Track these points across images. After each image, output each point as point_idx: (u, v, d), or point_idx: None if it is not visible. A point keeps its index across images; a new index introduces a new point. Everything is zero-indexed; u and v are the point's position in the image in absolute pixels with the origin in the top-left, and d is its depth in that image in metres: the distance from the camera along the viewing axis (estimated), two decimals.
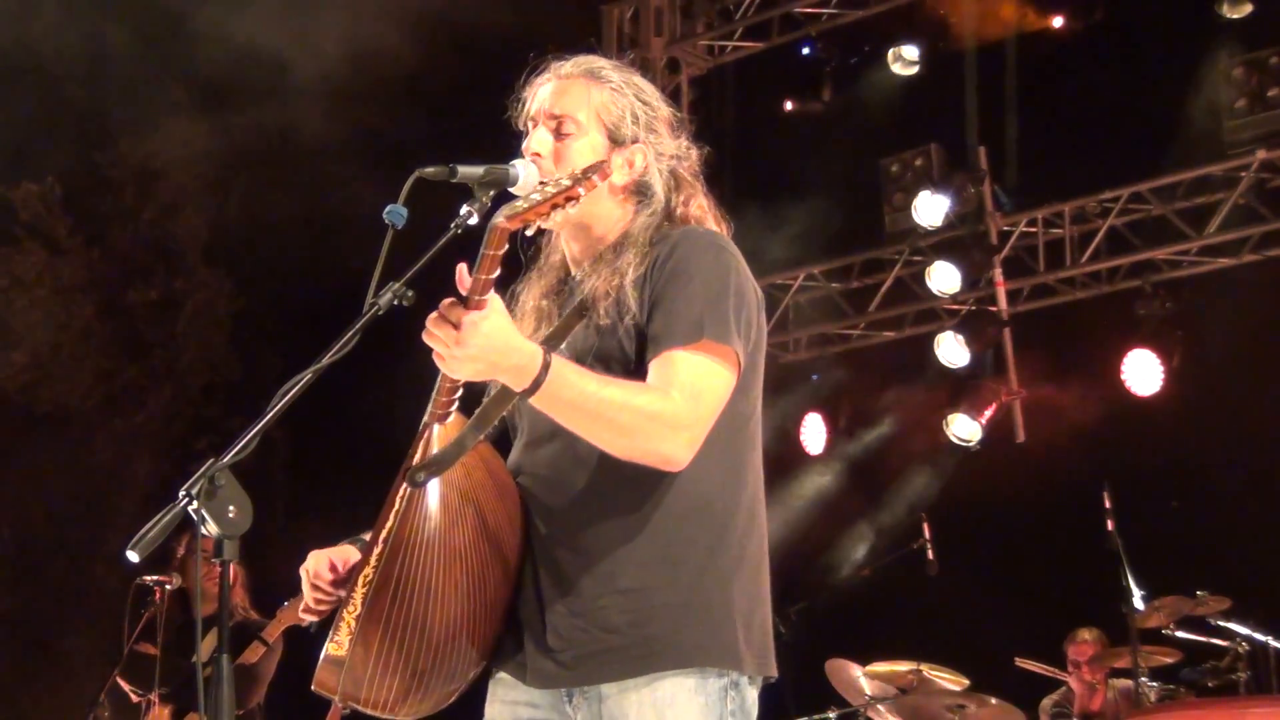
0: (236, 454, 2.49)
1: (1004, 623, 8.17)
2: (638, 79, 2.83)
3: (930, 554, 7.54)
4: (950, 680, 6.80)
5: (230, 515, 2.46)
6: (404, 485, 2.54)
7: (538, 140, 2.74)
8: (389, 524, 2.52)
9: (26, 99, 12.64)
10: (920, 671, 6.72)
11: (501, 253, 2.39)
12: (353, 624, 2.52)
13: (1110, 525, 6.69)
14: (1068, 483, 8.11)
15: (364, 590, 2.52)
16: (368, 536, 2.63)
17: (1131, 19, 8.94)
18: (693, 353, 2.53)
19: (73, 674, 12.11)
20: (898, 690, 6.74)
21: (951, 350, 9.20)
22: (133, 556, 2.47)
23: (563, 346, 2.66)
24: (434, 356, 2.46)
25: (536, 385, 2.44)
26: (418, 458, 2.55)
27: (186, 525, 2.51)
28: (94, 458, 13.37)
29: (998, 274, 9.26)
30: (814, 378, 10.08)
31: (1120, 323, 8.86)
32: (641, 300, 2.61)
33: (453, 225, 2.65)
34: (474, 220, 2.72)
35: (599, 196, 2.65)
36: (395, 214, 2.61)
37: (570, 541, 2.59)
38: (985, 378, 9.14)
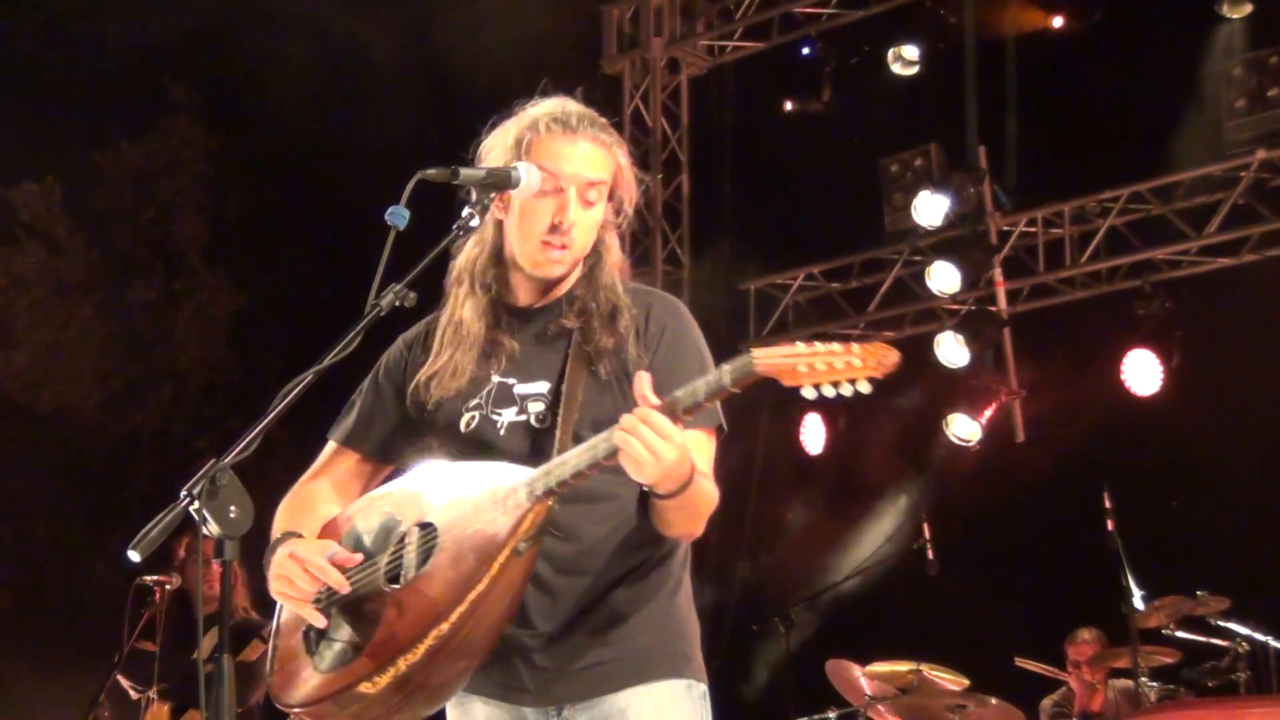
0: (238, 454, 2.50)
1: (1004, 623, 8.17)
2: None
3: (930, 554, 7.53)
4: (950, 680, 6.79)
5: (231, 515, 2.47)
6: (508, 553, 2.57)
7: (572, 211, 2.78)
8: (480, 586, 2.55)
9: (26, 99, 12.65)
10: (920, 671, 6.71)
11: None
12: (402, 668, 2.56)
13: (1110, 525, 6.69)
14: (1068, 483, 8.11)
15: (432, 643, 2.55)
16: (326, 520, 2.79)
17: (1131, 19, 8.94)
18: (710, 439, 2.79)
19: (73, 673, 12.10)
20: (898, 690, 6.74)
21: (951, 350, 9.20)
22: (134, 556, 2.48)
23: (578, 400, 2.75)
24: (621, 456, 2.49)
25: (681, 491, 2.58)
26: (527, 526, 2.59)
27: (187, 525, 2.51)
28: (94, 458, 13.36)
29: (998, 274, 9.26)
30: None
31: (1120, 323, 8.85)
32: (638, 360, 2.76)
33: (454, 227, 2.65)
34: (475, 222, 2.73)
35: (594, 235, 2.85)
36: (397, 215, 2.61)
37: (586, 582, 2.76)
38: (985, 378, 9.14)
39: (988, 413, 9.08)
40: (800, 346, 2.40)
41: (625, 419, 2.46)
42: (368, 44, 12.68)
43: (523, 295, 2.88)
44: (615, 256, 2.88)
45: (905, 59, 9.49)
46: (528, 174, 2.77)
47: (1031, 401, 9.13)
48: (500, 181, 2.77)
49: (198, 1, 13.12)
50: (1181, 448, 8.45)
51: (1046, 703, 7.70)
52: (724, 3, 10.51)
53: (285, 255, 13.14)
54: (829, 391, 2.40)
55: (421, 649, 2.55)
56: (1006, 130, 9.38)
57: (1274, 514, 7.97)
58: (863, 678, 6.80)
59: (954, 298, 9.40)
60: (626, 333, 2.78)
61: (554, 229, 2.76)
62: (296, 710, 2.69)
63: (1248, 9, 8.41)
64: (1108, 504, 6.71)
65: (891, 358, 2.40)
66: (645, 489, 2.61)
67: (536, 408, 2.78)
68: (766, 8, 10.21)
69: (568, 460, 2.57)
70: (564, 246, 2.78)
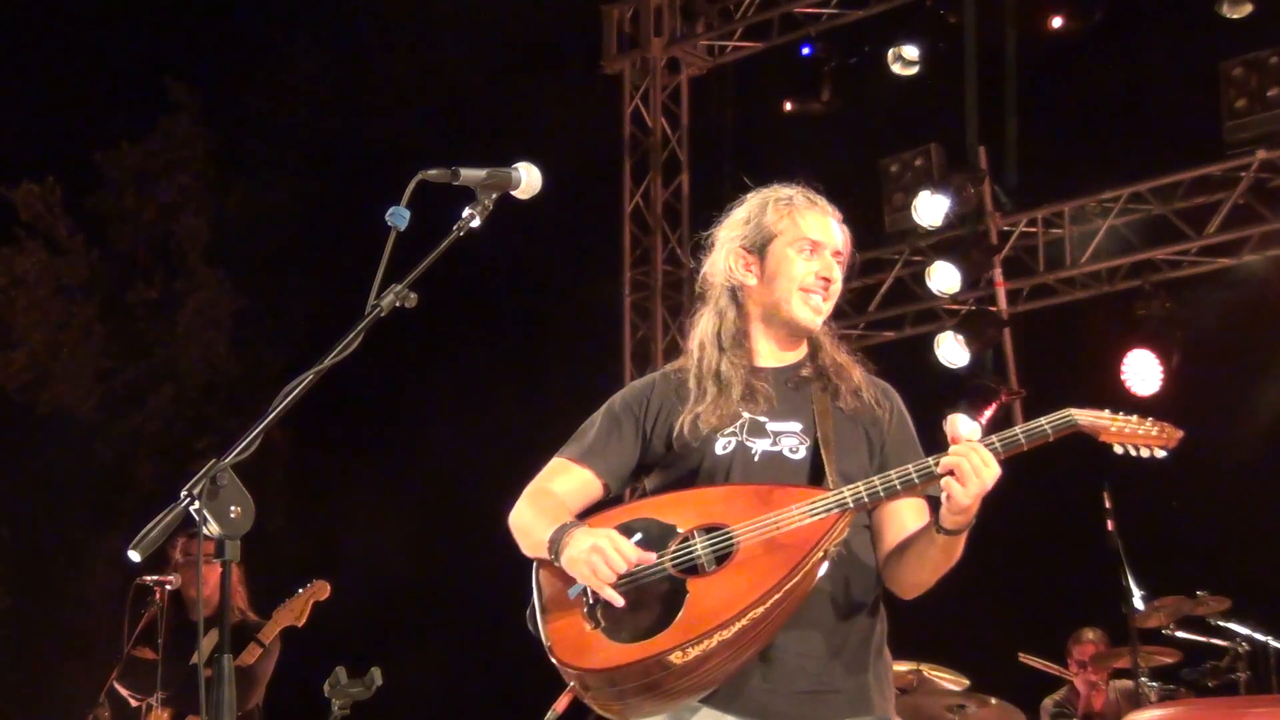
0: (238, 454, 2.50)
1: (1004, 623, 8.17)
2: None
3: None
4: (950, 680, 6.79)
5: (232, 515, 2.47)
6: (820, 554, 2.90)
7: (834, 269, 3.21)
8: (794, 579, 2.88)
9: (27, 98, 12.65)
10: (920, 671, 6.71)
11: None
12: (713, 645, 2.84)
13: (1110, 525, 6.69)
14: (1068, 483, 8.11)
15: (745, 624, 2.84)
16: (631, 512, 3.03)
17: (1131, 19, 8.94)
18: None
19: (73, 673, 12.11)
20: (898, 690, 6.73)
21: (951, 350, 9.20)
22: (134, 556, 2.48)
23: (832, 437, 3.12)
24: (952, 475, 2.86)
25: (966, 529, 2.95)
26: (837, 534, 2.93)
27: (185, 527, 2.51)
28: (94, 458, 13.36)
29: (998, 274, 9.26)
30: None
31: (1120, 323, 8.85)
32: (877, 414, 3.19)
33: (455, 228, 2.65)
34: (476, 223, 2.73)
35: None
36: (398, 216, 2.61)
37: (830, 608, 3.04)
38: (985, 378, 9.13)
39: (988, 413, 9.07)
40: (1107, 412, 3.00)
41: (957, 446, 2.88)
42: (368, 44, 12.69)
43: (765, 356, 3.23)
44: (832, 328, 3.27)
45: (905, 59, 9.49)
46: (528, 174, 2.77)
47: (1031, 401, 9.12)
48: (501, 182, 2.77)
49: (198, 1, 13.14)
50: (1181, 448, 8.43)
51: (1047, 702, 7.69)
52: (724, 3, 10.50)
53: (285, 255, 13.15)
54: (1134, 451, 3.04)
55: (736, 626, 2.83)
56: (1006, 130, 9.38)
57: (1274, 514, 7.97)
58: None
59: (954, 298, 9.39)
60: (861, 385, 3.19)
61: (823, 281, 3.18)
62: (594, 672, 2.91)
63: (1248, 9, 8.40)
64: (1108, 504, 6.70)
65: (1177, 436, 3.12)
66: (936, 526, 2.93)
67: (790, 442, 3.11)
68: (766, 8, 10.21)
69: (889, 477, 2.94)
70: (828, 299, 3.20)
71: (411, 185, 2.66)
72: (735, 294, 3.23)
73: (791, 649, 2.99)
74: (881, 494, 2.93)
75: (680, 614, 2.87)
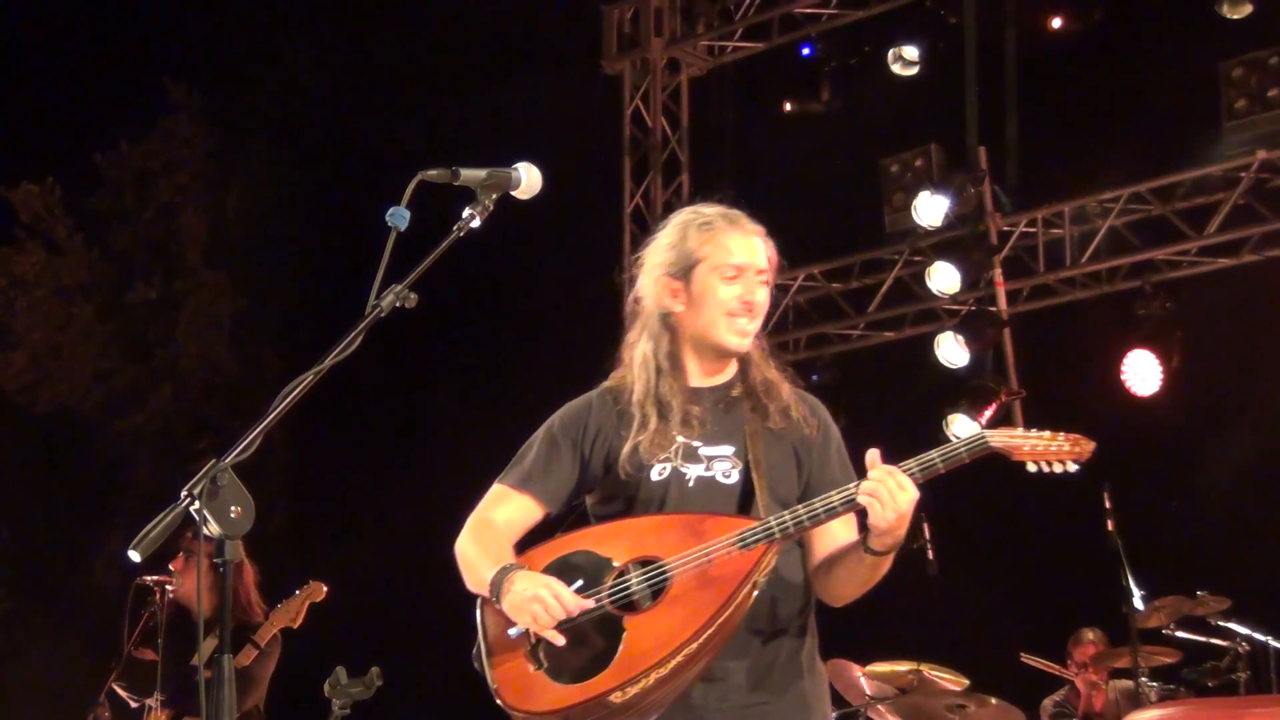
0: (238, 454, 2.50)
1: (1004, 623, 8.17)
2: None
3: (930, 554, 7.52)
4: (950, 680, 6.79)
5: (232, 515, 2.47)
6: (749, 586, 2.97)
7: (758, 292, 3.21)
8: (726, 613, 2.95)
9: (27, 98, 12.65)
10: (920, 671, 6.71)
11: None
12: (650, 683, 2.93)
13: (1110, 525, 6.69)
14: (1068, 483, 8.09)
15: (680, 660, 2.93)
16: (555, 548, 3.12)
17: (1131, 19, 8.94)
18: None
19: (73, 673, 12.11)
20: (898, 690, 6.74)
21: (951, 350, 9.20)
22: (134, 556, 2.48)
23: (763, 461, 3.17)
24: (873, 501, 2.91)
25: (893, 550, 2.99)
26: (765, 564, 2.99)
27: (185, 528, 2.51)
28: (94, 458, 13.36)
29: (998, 274, 9.25)
30: (814, 378, 10.07)
31: (1120, 323, 8.85)
32: (808, 435, 3.22)
33: (455, 228, 2.65)
34: (476, 223, 2.73)
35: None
36: (398, 216, 2.61)
37: (762, 624, 3.11)
38: (985, 378, 9.13)
39: (988, 413, 9.07)
40: (1020, 431, 3.03)
41: (875, 471, 2.94)
42: (368, 44, 12.68)
43: (697, 376, 3.26)
44: (762, 343, 3.27)
45: (905, 59, 9.49)
46: (528, 174, 2.78)
47: (1031, 401, 9.12)
48: (501, 182, 2.78)
49: (197, 1, 13.14)
50: (1181, 448, 8.45)
51: (1047, 703, 7.69)
52: (724, 3, 10.50)
53: (285, 255, 13.14)
54: (1047, 468, 3.01)
55: (671, 664, 2.92)
56: (1006, 130, 9.38)
57: (1274, 514, 7.97)
58: (863, 678, 6.80)
59: (954, 298, 9.39)
60: (789, 403, 3.21)
61: (747, 304, 3.18)
62: (539, 715, 2.99)
63: (1248, 9, 8.40)
64: (1108, 504, 6.71)
65: (1089, 448, 3.04)
66: (865, 547, 2.99)
67: (723, 466, 3.16)
68: (766, 8, 10.21)
69: (814, 506, 2.99)
70: (752, 321, 3.21)
71: (411, 185, 2.66)
72: (665, 319, 3.27)
73: (729, 665, 3.07)
74: (806, 524, 3.00)
75: (618, 653, 2.96)
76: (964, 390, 9.11)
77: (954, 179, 9.25)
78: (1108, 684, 7.50)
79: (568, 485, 3.25)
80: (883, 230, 9.75)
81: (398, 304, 2.61)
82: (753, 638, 3.10)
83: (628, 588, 3.02)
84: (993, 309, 9.19)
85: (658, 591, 3.00)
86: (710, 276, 3.19)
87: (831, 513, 2.99)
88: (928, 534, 7.61)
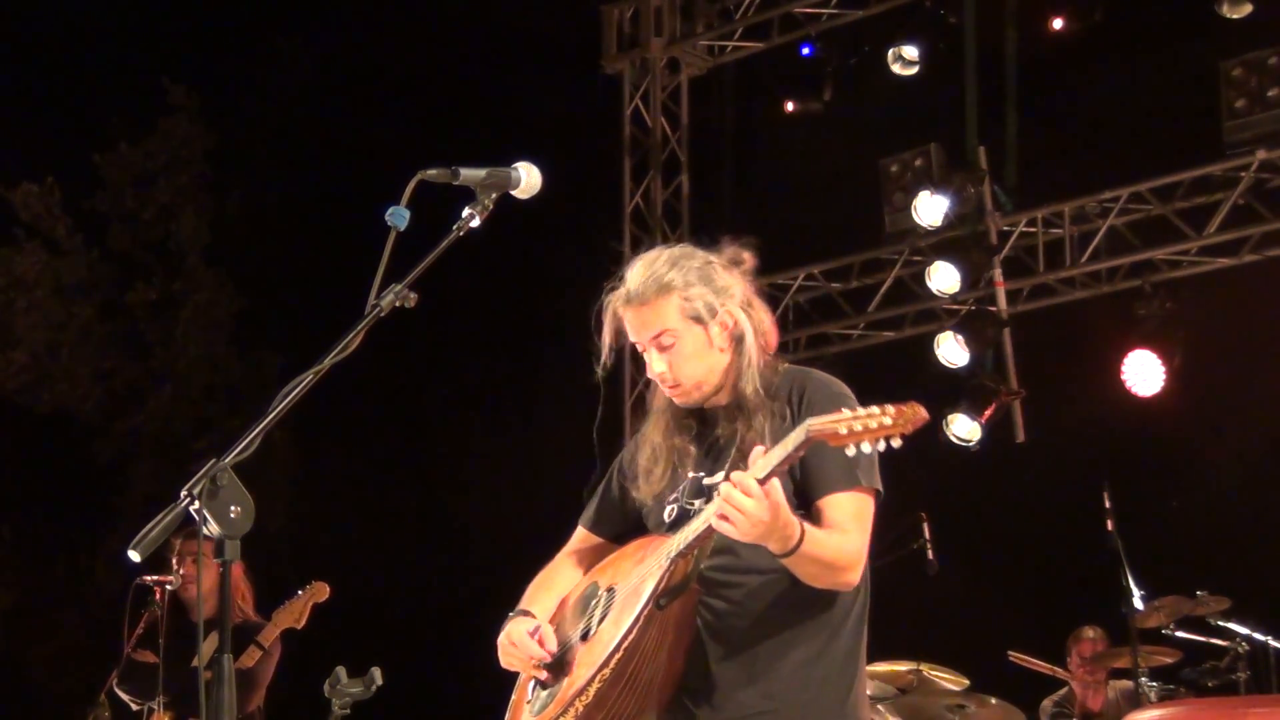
0: (238, 454, 2.50)
1: (1004, 623, 8.17)
2: (689, 257, 3.20)
3: (930, 554, 7.53)
4: (950, 680, 6.79)
5: (232, 515, 2.47)
6: (650, 606, 2.93)
7: (656, 363, 3.15)
8: (631, 636, 2.93)
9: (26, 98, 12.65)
10: (920, 671, 6.71)
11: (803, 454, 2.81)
12: (579, 708, 2.98)
13: (1110, 525, 6.69)
14: (1068, 483, 8.11)
15: (599, 686, 2.95)
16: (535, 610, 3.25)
17: (1131, 19, 8.94)
18: (855, 497, 3.05)
19: (73, 673, 12.11)
20: (898, 690, 6.74)
21: (951, 350, 9.19)
22: (134, 556, 2.48)
23: None
24: (718, 517, 2.79)
25: (796, 548, 2.86)
26: (664, 584, 2.94)
27: (183, 528, 2.51)
28: (94, 458, 13.36)
29: (998, 274, 9.25)
30: None
31: (1120, 323, 8.84)
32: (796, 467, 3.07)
33: (454, 228, 2.65)
34: (476, 223, 2.73)
35: (705, 354, 3.15)
36: (397, 216, 2.62)
37: (738, 637, 3.07)
38: (985, 378, 9.13)
39: (988, 413, 9.07)
40: (845, 412, 2.75)
41: (721, 487, 2.80)
42: (367, 44, 12.68)
43: (693, 413, 3.25)
44: (750, 356, 3.15)
45: (905, 59, 9.48)
46: (528, 174, 2.78)
47: (1031, 401, 9.12)
48: (501, 182, 2.78)
49: (196, 2, 13.14)
50: (1181, 448, 8.45)
51: (1047, 703, 7.69)
52: (724, 3, 10.49)
53: (285, 255, 13.14)
54: (866, 449, 2.74)
55: (591, 691, 2.96)
56: (1006, 130, 9.38)
57: (1274, 514, 7.97)
58: None
59: (954, 298, 9.39)
60: (773, 418, 3.10)
61: (661, 378, 3.16)
62: None
63: (1248, 9, 8.39)
64: (1108, 504, 6.70)
65: (920, 415, 2.76)
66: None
67: None
68: (766, 8, 10.20)
69: (693, 526, 2.92)
70: (675, 385, 3.15)
71: (411, 185, 2.66)
72: None
73: (726, 676, 3.06)
74: (690, 541, 2.94)
75: (564, 683, 3.10)
76: (964, 390, 9.11)
77: (954, 179, 9.25)
78: (1107, 684, 7.50)
79: (621, 519, 3.36)
80: (883, 230, 9.75)
81: (397, 303, 2.61)
82: (751, 644, 3.06)
83: (592, 617, 3.13)
84: (993, 309, 9.19)
85: (604, 618, 3.09)
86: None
87: (699, 538, 2.91)
88: (927, 534, 7.62)
